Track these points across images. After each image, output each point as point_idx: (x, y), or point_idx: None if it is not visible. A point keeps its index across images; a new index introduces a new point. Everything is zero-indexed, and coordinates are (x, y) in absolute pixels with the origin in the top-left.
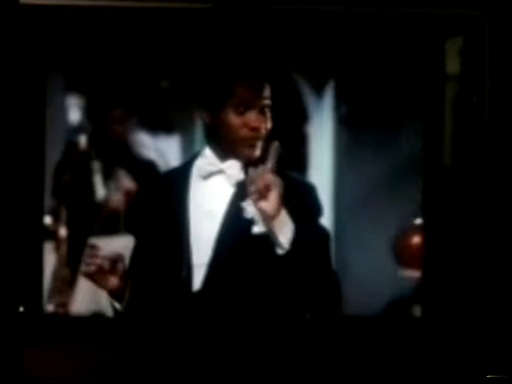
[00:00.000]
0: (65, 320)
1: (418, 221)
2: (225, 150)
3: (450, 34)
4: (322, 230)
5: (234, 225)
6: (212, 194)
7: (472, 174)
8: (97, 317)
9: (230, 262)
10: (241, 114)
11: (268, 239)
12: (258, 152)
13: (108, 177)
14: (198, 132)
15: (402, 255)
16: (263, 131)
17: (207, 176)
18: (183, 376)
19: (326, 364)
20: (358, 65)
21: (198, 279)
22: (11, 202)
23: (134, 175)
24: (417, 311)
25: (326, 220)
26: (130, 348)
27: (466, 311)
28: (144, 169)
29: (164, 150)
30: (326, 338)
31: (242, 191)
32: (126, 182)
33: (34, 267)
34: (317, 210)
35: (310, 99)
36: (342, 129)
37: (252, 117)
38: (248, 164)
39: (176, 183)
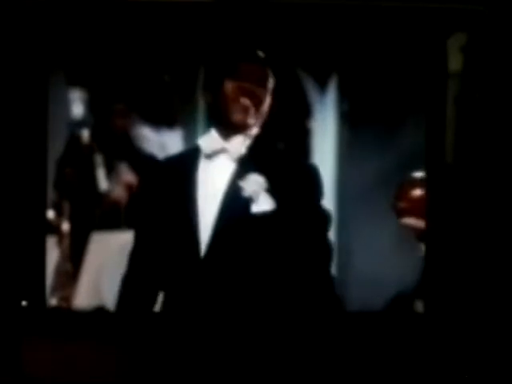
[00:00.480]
0: (67, 314)
1: (416, 174)
2: (226, 125)
3: (453, 29)
4: (323, 212)
5: (235, 201)
6: (217, 173)
7: (474, 171)
8: (99, 311)
9: (228, 241)
10: (239, 80)
11: (267, 218)
12: (251, 119)
13: (110, 170)
14: (200, 125)
15: (401, 206)
16: (257, 101)
17: (212, 154)
18: (183, 372)
19: (328, 357)
20: (361, 60)
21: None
22: (14, 196)
23: (136, 168)
24: (419, 307)
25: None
26: (131, 342)
27: (467, 306)
28: (146, 162)
29: (166, 144)
30: (328, 332)
31: (242, 168)
32: (128, 176)
33: (36, 261)
34: (319, 191)
35: (313, 95)
36: (345, 124)
37: (248, 85)
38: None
39: (185, 165)
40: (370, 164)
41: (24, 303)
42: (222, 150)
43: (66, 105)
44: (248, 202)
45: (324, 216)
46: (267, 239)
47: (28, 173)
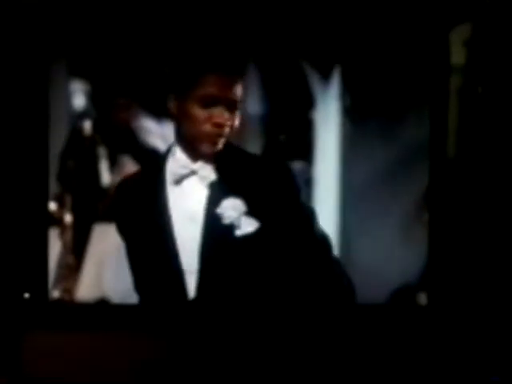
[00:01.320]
0: (70, 306)
1: None
2: (192, 151)
3: (456, 22)
4: (307, 209)
5: (216, 228)
6: (190, 197)
7: (476, 165)
8: (101, 303)
9: (219, 267)
10: (205, 107)
11: (253, 237)
12: (221, 145)
13: (113, 163)
14: None
15: None
16: (227, 129)
17: (180, 180)
18: (186, 362)
19: (332, 350)
20: (363, 53)
21: (191, 286)
22: (16, 189)
23: (139, 161)
24: (423, 299)
25: (332, 208)
26: (133, 334)
27: (470, 299)
28: (148, 154)
29: (168, 135)
30: (333, 327)
31: (216, 193)
32: (131, 168)
33: (39, 254)
34: (296, 189)
35: (316, 86)
36: (348, 117)
37: (217, 112)
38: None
39: (153, 190)
40: (373, 157)
41: (26, 295)
42: (192, 173)
43: (67, 96)
44: (230, 227)
45: (309, 212)
46: (259, 255)
47: (29, 165)
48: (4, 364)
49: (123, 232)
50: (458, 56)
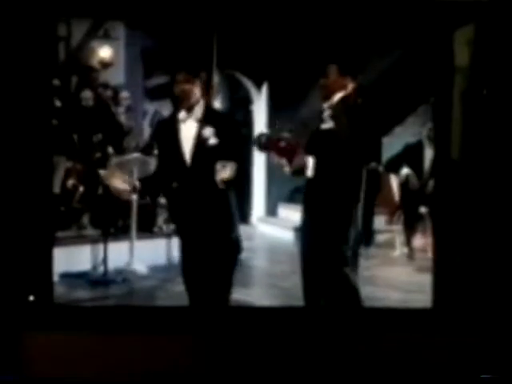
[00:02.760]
0: (74, 309)
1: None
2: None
3: (460, 23)
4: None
5: (200, 141)
6: (189, 128)
7: (481, 167)
8: (106, 306)
9: (200, 158)
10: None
11: (214, 147)
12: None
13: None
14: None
15: None
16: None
17: (184, 120)
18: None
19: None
20: (365, 53)
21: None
22: (20, 191)
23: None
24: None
25: None
26: (138, 335)
27: (478, 301)
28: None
29: None
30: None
31: (201, 125)
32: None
33: (43, 257)
34: (239, 128)
35: (253, 91)
36: (270, 108)
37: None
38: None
39: (172, 123)
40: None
41: (31, 298)
42: (189, 117)
43: None
44: (206, 140)
45: (243, 137)
46: (217, 153)
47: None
48: (7, 364)
49: (158, 145)
50: (462, 57)
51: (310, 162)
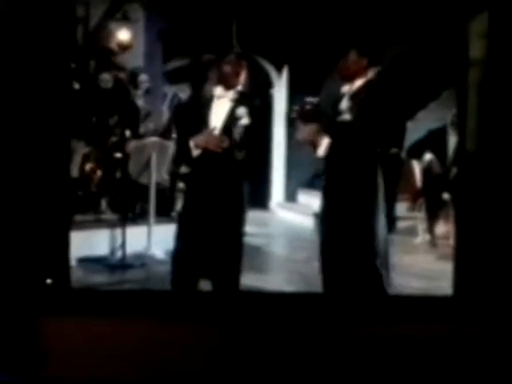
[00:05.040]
0: (91, 292)
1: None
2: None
3: (474, 12)
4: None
5: (233, 119)
6: (222, 105)
7: (498, 158)
8: (124, 291)
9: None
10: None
11: (247, 126)
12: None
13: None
14: None
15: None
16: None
17: (219, 97)
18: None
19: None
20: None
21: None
22: (38, 177)
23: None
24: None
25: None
26: (153, 319)
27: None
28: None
29: None
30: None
31: (235, 104)
32: None
33: (60, 241)
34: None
35: (274, 74)
36: (290, 91)
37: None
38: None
39: (206, 99)
40: None
41: (48, 281)
42: (223, 96)
43: None
44: (239, 119)
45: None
46: (248, 132)
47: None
48: (24, 350)
49: (182, 122)
50: (477, 49)
51: (325, 142)
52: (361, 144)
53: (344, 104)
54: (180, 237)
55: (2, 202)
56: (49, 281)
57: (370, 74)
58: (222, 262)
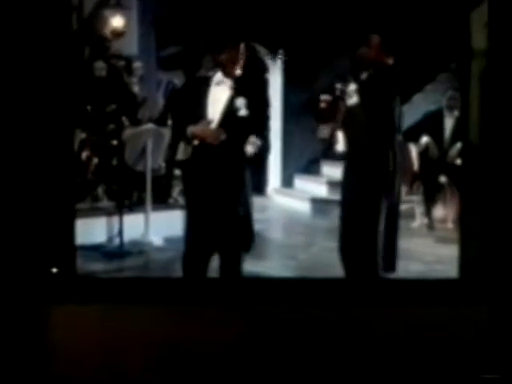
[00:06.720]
0: (96, 281)
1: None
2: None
3: (476, 2)
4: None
5: (231, 110)
6: (220, 92)
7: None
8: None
9: (229, 124)
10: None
11: (245, 118)
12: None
13: None
14: None
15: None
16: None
17: (218, 83)
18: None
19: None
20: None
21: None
22: (42, 167)
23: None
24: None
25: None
26: (158, 307)
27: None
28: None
29: None
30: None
31: (234, 92)
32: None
33: (66, 229)
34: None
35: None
36: (284, 77)
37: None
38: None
39: (204, 84)
40: (298, 95)
41: (54, 270)
42: (223, 82)
43: None
44: (237, 110)
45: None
46: (244, 122)
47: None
48: (31, 339)
49: (179, 108)
50: (479, 40)
51: (340, 136)
52: (371, 129)
53: (350, 88)
54: (189, 224)
55: (7, 191)
56: (54, 269)
57: (390, 59)
58: (227, 240)
